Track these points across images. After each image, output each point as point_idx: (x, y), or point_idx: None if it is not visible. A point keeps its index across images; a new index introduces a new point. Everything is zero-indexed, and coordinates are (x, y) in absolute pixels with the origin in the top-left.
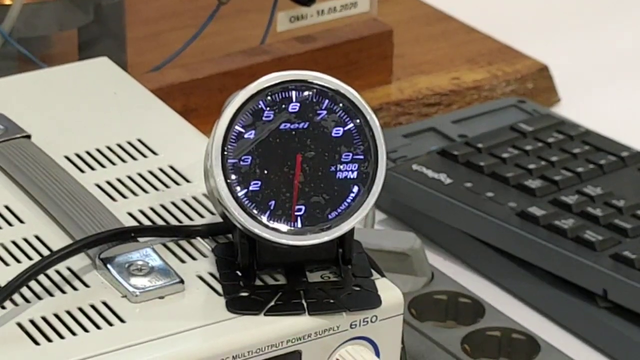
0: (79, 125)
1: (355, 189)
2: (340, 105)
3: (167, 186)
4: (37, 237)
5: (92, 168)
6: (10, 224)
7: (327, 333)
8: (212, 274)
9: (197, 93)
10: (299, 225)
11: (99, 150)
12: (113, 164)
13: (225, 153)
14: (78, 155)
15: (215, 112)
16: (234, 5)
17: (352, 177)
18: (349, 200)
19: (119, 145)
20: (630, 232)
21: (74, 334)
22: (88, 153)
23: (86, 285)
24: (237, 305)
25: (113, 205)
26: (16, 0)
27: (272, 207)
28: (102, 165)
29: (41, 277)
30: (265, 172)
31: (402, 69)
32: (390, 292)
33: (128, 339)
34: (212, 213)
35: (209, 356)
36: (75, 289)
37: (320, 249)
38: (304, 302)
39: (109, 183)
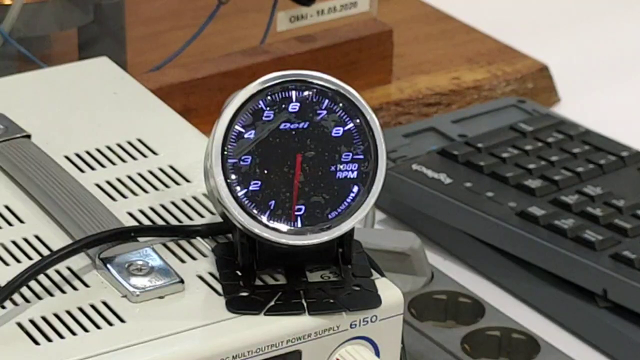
0: (79, 125)
1: (355, 188)
2: (340, 105)
3: (167, 186)
4: (37, 237)
5: (92, 168)
6: (10, 224)
7: (327, 333)
8: (212, 274)
9: (197, 93)
10: (299, 225)
11: (99, 150)
12: (113, 164)
13: (225, 153)
14: (78, 155)
15: (215, 112)
16: (234, 5)
17: (352, 177)
18: (349, 200)
19: (119, 145)
20: (630, 232)
21: (74, 334)
22: (88, 153)
23: (86, 285)
24: (237, 305)
25: (113, 205)
26: (16, 0)
27: (272, 207)
28: (102, 165)
29: (41, 277)
30: (265, 172)
31: (402, 69)
32: (390, 292)
33: (128, 339)
34: (212, 213)
35: (209, 356)
36: (75, 289)
37: (320, 248)
38: (304, 302)
39: (109, 183)
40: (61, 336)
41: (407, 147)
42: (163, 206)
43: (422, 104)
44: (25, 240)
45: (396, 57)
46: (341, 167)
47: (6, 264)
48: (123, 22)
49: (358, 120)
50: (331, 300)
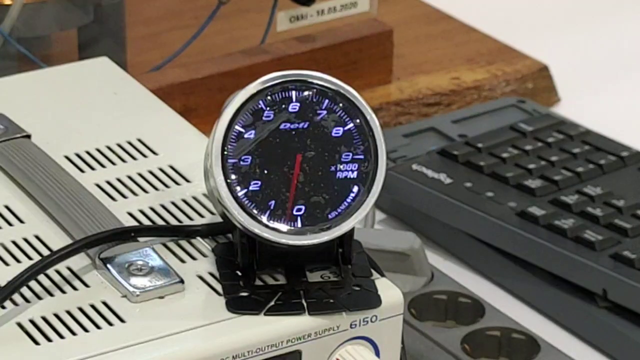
0: (79, 125)
1: (355, 188)
2: (340, 105)
3: (167, 186)
4: (37, 237)
5: (92, 168)
6: (10, 224)
7: (327, 333)
8: (212, 274)
9: (197, 93)
10: (299, 225)
11: (99, 150)
12: (113, 164)
13: (225, 153)
14: (78, 155)
15: (215, 112)
16: (234, 5)
17: (352, 177)
18: (349, 200)
19: (119, 145)
20: (630, 232)
21: (74, 334)
22: (88, 153)
23: (86, 285)
24: (237, 305)
25: (113, 205)
26: (16, 0)
27: (272, 207)
28: (102, 165)
29: (41, 277)
30: (265, 172)
31: (402, 69)
32: (390, 292)
33: (128, 339)
34: (212, 213)
35: (209, 356)
36: (75, 289)
37: (320, 248)
38: (304, 302)
39: (109, 183)
40: (61, 336)
41: (407, 147)
42: (163, 206)
43: (422, 104)
44: (25, 240)
45: (396, 57)
46: (341, 167)
47: (6, 264)
48: (123, 22)
49: (358, 120)
50: (331, 300)
